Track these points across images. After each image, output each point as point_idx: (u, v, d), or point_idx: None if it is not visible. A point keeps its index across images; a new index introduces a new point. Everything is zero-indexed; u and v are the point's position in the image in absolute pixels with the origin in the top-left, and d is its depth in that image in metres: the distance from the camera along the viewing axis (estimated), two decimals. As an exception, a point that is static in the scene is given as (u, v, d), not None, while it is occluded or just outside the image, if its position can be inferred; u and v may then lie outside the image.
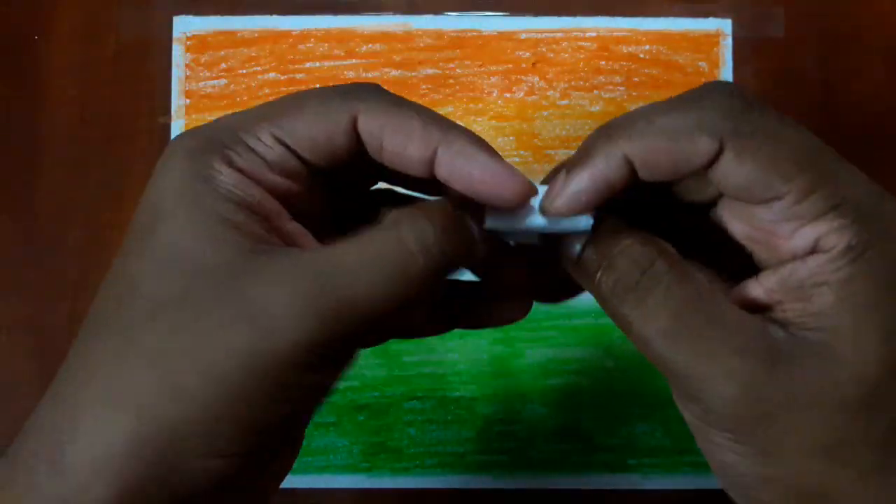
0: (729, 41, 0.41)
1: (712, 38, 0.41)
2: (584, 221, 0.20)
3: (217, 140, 0.20)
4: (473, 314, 0.24)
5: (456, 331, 0.39)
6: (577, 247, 0.21)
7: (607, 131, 0.20)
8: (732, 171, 0.19)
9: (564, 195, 0.20)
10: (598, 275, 0.20)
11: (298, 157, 0.20)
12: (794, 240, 0.19)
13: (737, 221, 0.21)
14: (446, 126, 0.20)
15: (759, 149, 0.19)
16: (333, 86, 0.20)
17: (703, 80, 0.41)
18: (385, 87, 0.21)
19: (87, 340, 0.20)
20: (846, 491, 0.19)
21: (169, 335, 0.18)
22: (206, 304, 0.18)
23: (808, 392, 0.18)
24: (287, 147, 0.20)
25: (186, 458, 0.17)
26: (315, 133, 0.20)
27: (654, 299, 0.19)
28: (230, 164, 0.19)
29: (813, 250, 0.19)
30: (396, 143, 0.20)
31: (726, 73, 0.41)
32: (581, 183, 0.20)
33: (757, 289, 0.20)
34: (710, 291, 0.19)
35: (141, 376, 0.18)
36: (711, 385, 0.19)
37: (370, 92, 0.20)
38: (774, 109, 0.20)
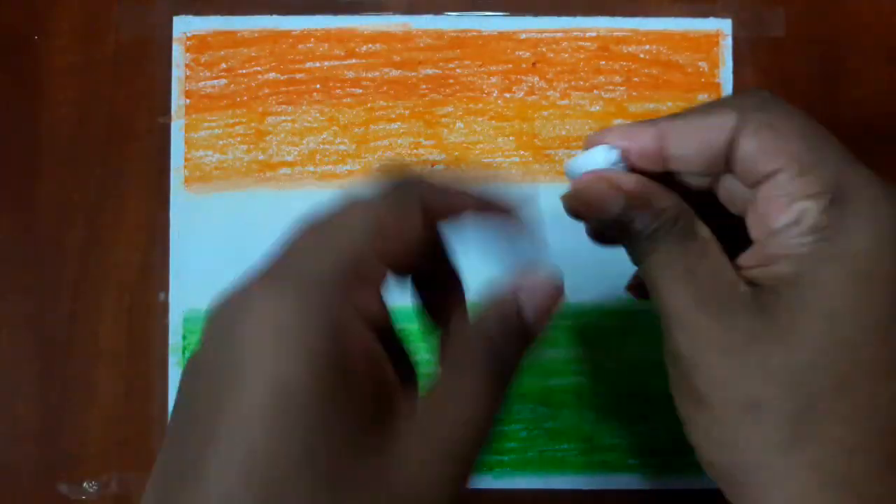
0: (729, 41, 0.41)
1: (712, 38, 0.41)
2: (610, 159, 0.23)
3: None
4: None
5: (456, 331, 0.40)
6: (625, 201, 0.22)
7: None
8: (748, 142, 0.21)
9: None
10: (637, 229, 0.22)
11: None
12: (785, 214, 0.20)
13: (742, 202, 0.23)
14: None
15: (772, 126, 0.21)
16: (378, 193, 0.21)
17: (703, 80, 0.41)
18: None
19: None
20: (747, 465, 0.20)
21: None
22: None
23: (741, 346, 0.20)
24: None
25: None
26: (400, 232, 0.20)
27: (655, 254, 0.22)
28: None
29: (796, 222, 0.20)
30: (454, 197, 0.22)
31: (726, 74, 0.41)
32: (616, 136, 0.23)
33: (746, 259, 0.22)
34: (701, 248, 0.22)
35: None
36: (670, 333, 0.21)
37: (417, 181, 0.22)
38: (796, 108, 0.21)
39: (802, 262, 0.20)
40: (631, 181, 0.23)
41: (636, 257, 0.23)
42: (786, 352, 0.19)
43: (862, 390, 0.18)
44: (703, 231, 0.22)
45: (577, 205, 0.23)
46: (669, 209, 0.22)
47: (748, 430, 0.19)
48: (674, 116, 0.23)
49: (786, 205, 0.20)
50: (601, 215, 0.23)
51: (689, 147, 0.22)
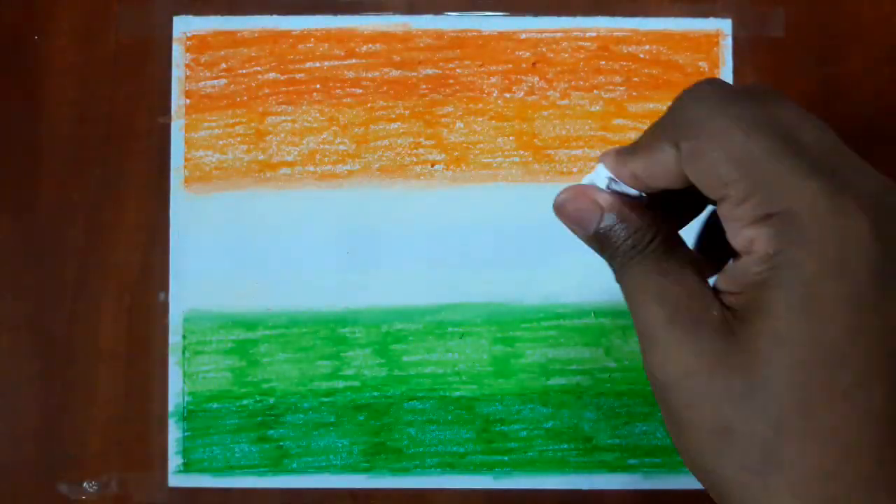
0: (729, 41, 0.41)
1: (712, 38, 0.41)
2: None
3: None
4: None
5: (456, 330, 0.40)
6: (601, 219, 0.23)
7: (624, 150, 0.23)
8: (690, 174, 0.21)
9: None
10: (613, 247, 0.23)
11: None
12: (738, 240, 0.20)
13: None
14: None
15: (702, 153, 0.20)
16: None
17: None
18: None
19: None
20: (725, 483, 0.20)
21: None
22: None
23: (707, 370, 0.20)
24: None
25: None
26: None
27: (631, 273, 0.22)
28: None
29: (748, 251, 0.20)
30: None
31: (726, 73, 0.41)
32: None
33: (721, 280, 0.22)
34: (676, 269, 0.22)
35: None
36: (645, 354, 0.22)
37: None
38: (744, 107, 0.20)
39: (759, 290, 0.19)
40: (608, 199, 0.23)
41: (615, 275, 0.23)
42: (750, 377, 0.19)
43: (827, 413, 0.19)
44: (681, 253, 0.22)
45: (560, 218, 0.24)
46: (643, 228, 0.22)
47: (722, 454, 0.20)
48: (633, 152, 0.22)
49: (737, 231, 0.20)
50: (581, 229, 0.23)
51: (660, 184, 0.22)
